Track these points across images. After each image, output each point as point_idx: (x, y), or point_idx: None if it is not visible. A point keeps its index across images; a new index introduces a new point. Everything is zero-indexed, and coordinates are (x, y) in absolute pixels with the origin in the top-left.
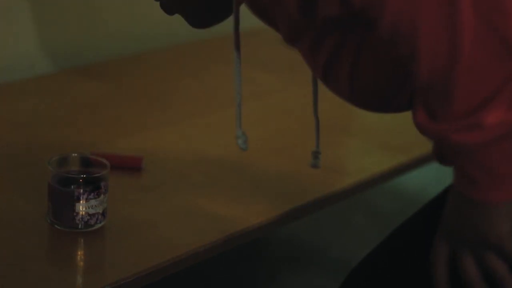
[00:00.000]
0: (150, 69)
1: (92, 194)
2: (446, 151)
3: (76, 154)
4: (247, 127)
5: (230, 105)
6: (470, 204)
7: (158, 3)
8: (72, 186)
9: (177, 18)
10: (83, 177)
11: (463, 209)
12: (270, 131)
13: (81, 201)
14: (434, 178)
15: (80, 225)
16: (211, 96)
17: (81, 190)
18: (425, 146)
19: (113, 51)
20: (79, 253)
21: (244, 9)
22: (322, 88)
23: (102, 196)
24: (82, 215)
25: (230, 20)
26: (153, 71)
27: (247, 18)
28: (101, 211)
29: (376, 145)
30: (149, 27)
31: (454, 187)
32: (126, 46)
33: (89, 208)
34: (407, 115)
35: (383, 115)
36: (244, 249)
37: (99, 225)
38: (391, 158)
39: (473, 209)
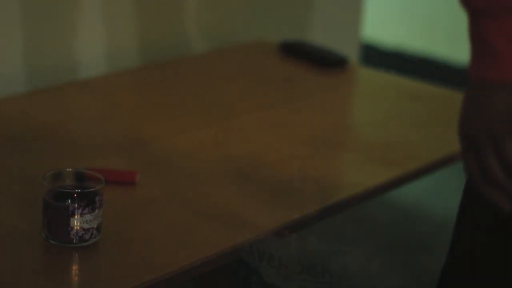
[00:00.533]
0: (145, 84)
1: (87, 209)
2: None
3: (70, 169)
4: (242, 140)
5: (226, 120)
6: (488, 87)
7: (158, 15)
8: (67, 201)
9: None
10: (77, 191)
11: (481, 96)
12: (265, 144)
13: (76, 216)
14: (429, 191)
15: (74, 240)
16: (207, 111)
17: (76, 205)
18: (420, 159)
19: (108, 66)
20: (73, 268)
21: (239, 22)
22: (316, 103)
23: (97, 210)
24: (76, 229)
25: (226, 35)
26: (148, 85)
27: (244, 30)
28: (95, 226)
29: (371, 159)
30: (148, 41)
31: (471, 76)
32: (121, 60)
33: (83, 222)
34: (402, 130)
35: (378, 129)
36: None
37: (94, 240)
38: (386, 171)
39: (490, 90)
